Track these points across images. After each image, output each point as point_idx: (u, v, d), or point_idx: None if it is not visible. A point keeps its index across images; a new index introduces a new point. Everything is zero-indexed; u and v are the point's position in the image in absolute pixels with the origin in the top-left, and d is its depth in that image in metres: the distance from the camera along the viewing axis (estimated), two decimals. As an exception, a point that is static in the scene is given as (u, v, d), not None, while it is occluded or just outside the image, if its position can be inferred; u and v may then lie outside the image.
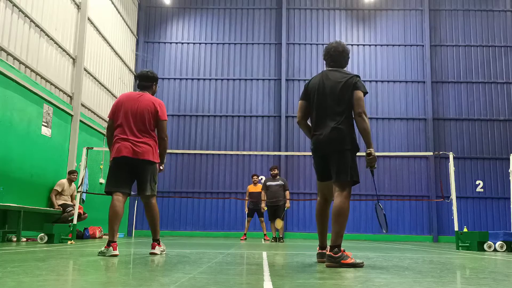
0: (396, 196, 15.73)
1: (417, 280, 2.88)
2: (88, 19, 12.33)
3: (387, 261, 4.51)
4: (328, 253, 3.77)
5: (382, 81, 16.79)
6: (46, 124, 10.14)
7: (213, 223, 15.93)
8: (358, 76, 4.08)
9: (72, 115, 11.49)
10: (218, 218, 15.98)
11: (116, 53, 14.82)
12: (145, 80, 5.02)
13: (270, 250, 6.66)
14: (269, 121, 16.63)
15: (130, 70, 16.27)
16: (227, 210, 16.03)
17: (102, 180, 13.25)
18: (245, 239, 12.01)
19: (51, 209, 9.80)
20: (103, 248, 4.51)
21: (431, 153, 12.57)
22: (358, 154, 4.04)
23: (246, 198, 12.15)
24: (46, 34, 10.27)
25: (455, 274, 3.46)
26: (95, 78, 13.16)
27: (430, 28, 17.00)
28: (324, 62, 4.34)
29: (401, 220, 15.86)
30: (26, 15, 9.40)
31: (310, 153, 4.31)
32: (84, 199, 11.37)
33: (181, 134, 16.52)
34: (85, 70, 12.35)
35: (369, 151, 3.97)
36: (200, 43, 17.20)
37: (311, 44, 17.08)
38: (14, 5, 8.97)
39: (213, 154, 16.09)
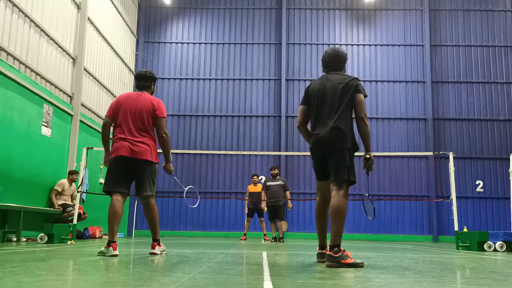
0: (396, 196, 15.73)
1: (417, 280, 2.88)
2: (88, 19, 12.33)
3: (387, 261, 4.52)
4: (328, 252, 3.77)
5: (382, 81, 16.79)
6: (46, 124, 10.13)
7: (213, 223, 15.93)
8: (358, 79, 4.13)
9: (72, 115, 11.49)
10: (218, 218, 15.98)
11: (116, 53, 14.82)
12: (144, 80, 4.99)
13: (270, 250, 6.66)
14: (269, 121, 16.63)
15: (130, 70, 16.27)
16: (227, 210, 16.03)
17: (102, 180, 13.24)
18: (245, 239, 12.01)
19: (51, 209, 9.81)
20: (103, 248, 4.52)
21: (431, 153, 12.56)
22: (356, 154, 4.08)
23: (246, 198, 12.15)
24: (46, 34, 10.27)
25: (455, 274, 3.46)
26: (95, 78, 13.16)
27: (430, 28, 17.00)
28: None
29: (401, 220, 15.86)
30: (26, 15, 9.40)
31: (310, 153, 4.32)
32: (84, 199, 11.36)
33: (181, 134, 16.52)
34: (85, 70, 12.35)
35: (368, 156, 4.03)
36: (200, 43, 17.21)
37: (311, 44, 17.08)
38: (14, 5, 8.97)
39: (213, 154, 16.09)
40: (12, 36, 8.93)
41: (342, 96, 4.03)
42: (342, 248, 3.76)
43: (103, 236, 11.03)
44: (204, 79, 16.96)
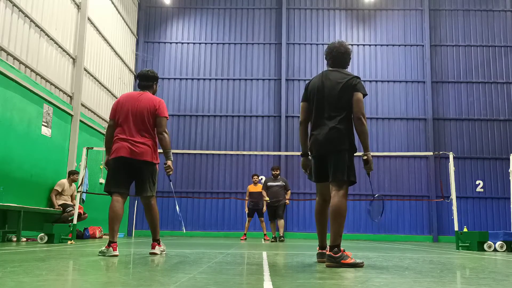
0: (396, 196, 15.73)
1: (417, 280, 2.88)
2: (88, 19, 12.33)
3: (387, 261, 4.51)
4: (328, 253, 3.77)
5: (382, 81, 16.79)
6: (46, 124, 10.14)
7: (213, 223, 15.93)
8: (358, 78, 4.07)
9: (72, 115, 11.49)
10: (218, 218, 15.98)
11: (116, 53, 14.82)
12: (145, 80, 4.99)
13: (270, 250, 6.66)
14: (269, 121, 16.63)
15: (130, 70, 16.27)
16: (227, 210, 16.03)
17: (102, 180, 13.25)
18: (245, 239, 12.01)
19: (51, 209, 9.80)
20: (103, 248, 4.52)
21: (431, 153, 12.57)
22: (355, 154, 4.05)
23: (246, 198, 12.14)
24: (46, 34, 10.27)
25: (455, 274, 3.46)
26: (95, 78, 13.16)
27: (430, 28, 17.00)
28: (325, 61, 4.33)
29: (401, 220, 15.86)
30: (26, 15, 9.40)
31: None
32: (84, 199, 11.36)
33: (181, 134, 16.52)
34: (85, 70, 12.35)
35: (366, 157, 3.97)
36: (200, 43, 17.20)
37: (311, 44, 17.08)
38: (14, 5, 8.97)
39: (213, 154, 16.09)
40: (12, 36, 8.93)
41: (341, 95, 3.99)
42: (342, 248, 3.76)
43: (103, 236, 11.03)
44: (204, 79, 16.96)
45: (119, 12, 14.95)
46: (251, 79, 16.92)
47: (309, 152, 4.18)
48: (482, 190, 15.94)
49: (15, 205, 8.08)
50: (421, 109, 16.54)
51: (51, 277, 2.69)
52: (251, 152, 14.31)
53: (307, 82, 4.55)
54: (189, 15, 17.42)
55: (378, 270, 3.49)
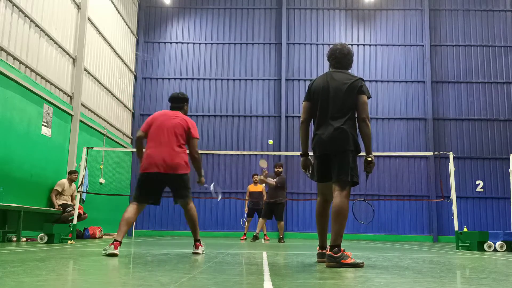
0: (396, 196, 15.73)
1: (417, 280, 2.88)
2: (88, 19, 12.33)
3: (387, 261, 4.51)
4: (328, 253, 3.77)
5: (382, 81, 16.79)
6: (46, 124, 10.14)
7: (213, 223, 15.93)
8: (363, 80, 4.09)
9: (72, 115, 11.48)
10: (218, 218, 15.98)
11: (116, 53, 14.82)
12: (177, 102, 5.29)
13: (270, 250, 6.66)
14: (269, 121, 16.64)
15: (130, 70, 16.27)
16: (227, 210, 16.03)
17: (102, 180, 13.25)
18: (245, 239, 12.01)
19: (51, 209, 9.80)
20: (107, 246, 4.59)
21: (431, 153, 12.56)
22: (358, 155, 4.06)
23: (246, 198, 12.13)
24: (46, 34, 10.27)
25: (455, 274, 3.46)
26: (95, 78, 13.16)
27: (430, 28, 17.00)
28: (326, 61, 4.34)
29: (401, 220, 15.87)
30: (26, 15, 9.40)
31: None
32: (84, 199, 11.37)
33: (181, 134, 16.49)
34: (85, 70, 12.34)
35: (369, 158, 3.98)
36: (200, 43, 17.20)
37: (311, 44, 17.08)
38: (14, 5, 8.97)
39: (213, 154, 16.09)
40: (12, 36, 8.93)
41: (346, 96, 4.00)
42: (342, 248, 3.76)
43: (103, 236, 11.03)
44: (204, 79, 16.96)
45: (119, 12, 14.95)
46: (251, 79, 16.92)
47: (312, 152, 4.18)
48: (482, 190, 15.94)
49: (15, 205, 8.08)
50: (421, 109, 16.54)
51: (51, 277, 2.69)
52: (251, 152, 14.32)
53: (309, 82, 4.56)
54: (189, 15, 17.42)
55: (378, 270, 3.50)
